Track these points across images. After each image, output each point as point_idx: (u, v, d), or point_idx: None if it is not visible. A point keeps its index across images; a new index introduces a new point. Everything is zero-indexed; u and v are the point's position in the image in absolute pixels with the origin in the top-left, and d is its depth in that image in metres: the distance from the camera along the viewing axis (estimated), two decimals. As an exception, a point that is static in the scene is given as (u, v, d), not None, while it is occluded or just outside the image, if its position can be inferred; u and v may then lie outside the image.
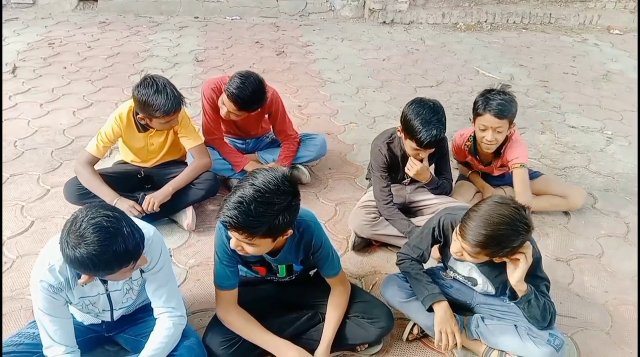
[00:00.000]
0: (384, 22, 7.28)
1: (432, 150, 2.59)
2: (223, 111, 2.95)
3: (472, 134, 2.90)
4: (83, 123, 3.98)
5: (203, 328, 2.07)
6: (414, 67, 5.62)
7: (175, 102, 2.62)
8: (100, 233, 1.50)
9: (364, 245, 2.75)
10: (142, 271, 1.84)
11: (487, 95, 2.68)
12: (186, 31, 6.55)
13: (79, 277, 1.70)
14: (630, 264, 2.71)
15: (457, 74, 5.46)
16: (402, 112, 2.53)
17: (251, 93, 2.81)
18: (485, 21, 7.39)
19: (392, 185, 2.88)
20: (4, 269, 2.48)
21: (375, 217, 2.73)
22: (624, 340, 2.25)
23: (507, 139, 2.82)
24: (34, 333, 1.85)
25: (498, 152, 2.87)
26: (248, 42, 6.28)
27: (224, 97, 2.89)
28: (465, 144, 2.97)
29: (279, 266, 2.06)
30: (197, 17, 7.14)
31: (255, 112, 3.00)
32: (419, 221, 2.74)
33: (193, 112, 3.61)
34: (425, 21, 7.32)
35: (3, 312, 2.22)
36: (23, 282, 2.39)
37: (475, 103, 2.74)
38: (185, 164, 3.01)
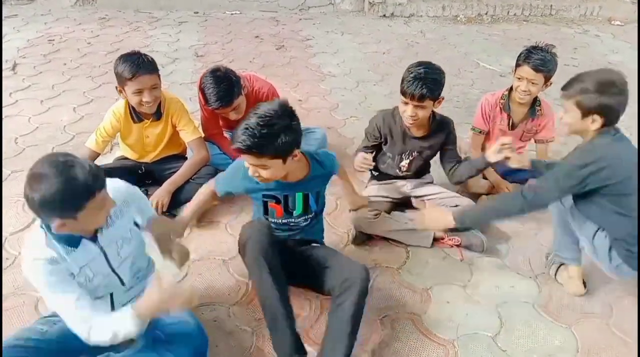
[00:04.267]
0: (384, 15, 7.26)
1: (421, 105, 2.53)
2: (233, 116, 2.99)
3: (506, 92, 3.08)
4: (84, 119, 3.99)
5: (205, 322, 2.08)
6: (415, 60, 5.48)
7: (143, 62, 2.65)
8: (57, 167, 1.52)
9: (365, 239, 2.75)
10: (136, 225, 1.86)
11: (530, 49, 2.92)
12: (186, 26, 6.54)
13: (67, 244, 1.67)
14: (631, 255, 2.71)
15: (457, 66, 5.45)
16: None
17: (221, 94, 2.83)
18: (486, 13, 7.37)
19: (393, 181, 2.89)
20: (6, 265, 2.49)
21: (376, 215, 2.72)
22: (625, 331, 2.25)
23: (539, 102, 3.06)
24: (42, 329, 1.80)
25: (533, 113, 3.04)
26: (248, 36, 6.27)
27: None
28: (499, 101, 3.08)
29: (296, 201, 2.20)
30: (197, 12, 7.13)
31: (245, 104, 3.02)
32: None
33: (194, 107, 3.60)
34: (425, 14, 7.30)
35: (6, 308, 2.24)
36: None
37: (519, 55, 2.97)
38: (186, 159, 3.01)
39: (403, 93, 2.56)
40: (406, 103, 2.58)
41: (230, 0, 7.31)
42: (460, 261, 2.64)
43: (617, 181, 2.07)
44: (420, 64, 2.59)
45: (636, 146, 2.22)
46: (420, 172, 2.92)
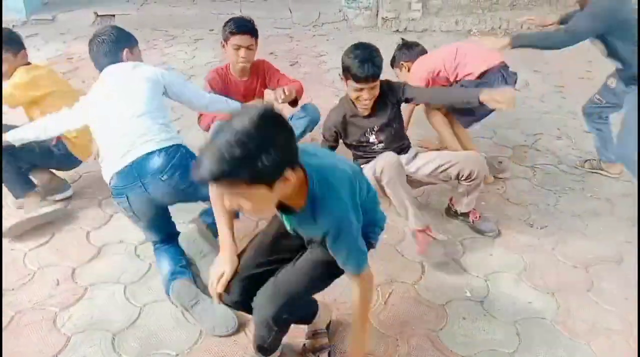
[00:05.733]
0: (397, 30, 7.29)
1: (374, 84, 2.62)
2: (236, 60, 3.27)
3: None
4: (101, 136, 4.04)
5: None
6: (428, 74, 5.60)
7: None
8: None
9: None
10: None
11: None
12: (201, 44, 6.63)
13: None
14: (650, 271, 2.67)
15: (471, 80, 5.42)
16: (341, 58, 2.67)
17: (246, 20, 3.25)
18: (499, 27, 7.36)
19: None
20: (25, 281, 2.53)
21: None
22: (645, 348, 2.21)
23: None
24: None
25: None
26: (262, 53, 6.24)
27: (232, 41, 3.21)
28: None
29: (290, 227, 1.79)
30: (212, 30, 7.22)
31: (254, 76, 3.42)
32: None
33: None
34: (438, 29, 7.32)
35: (25, 323, 2.27)
36: (44, 293, 2.44)
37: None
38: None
39: (356, 79, 2.59)
40: (360, 89, 2.63)
41: (245, 18, 7.41)
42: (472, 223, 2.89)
43: (628, 21, 2.90)
44: (357, 47, 2.63)
45: None
46: (394, 138, 2.89)
